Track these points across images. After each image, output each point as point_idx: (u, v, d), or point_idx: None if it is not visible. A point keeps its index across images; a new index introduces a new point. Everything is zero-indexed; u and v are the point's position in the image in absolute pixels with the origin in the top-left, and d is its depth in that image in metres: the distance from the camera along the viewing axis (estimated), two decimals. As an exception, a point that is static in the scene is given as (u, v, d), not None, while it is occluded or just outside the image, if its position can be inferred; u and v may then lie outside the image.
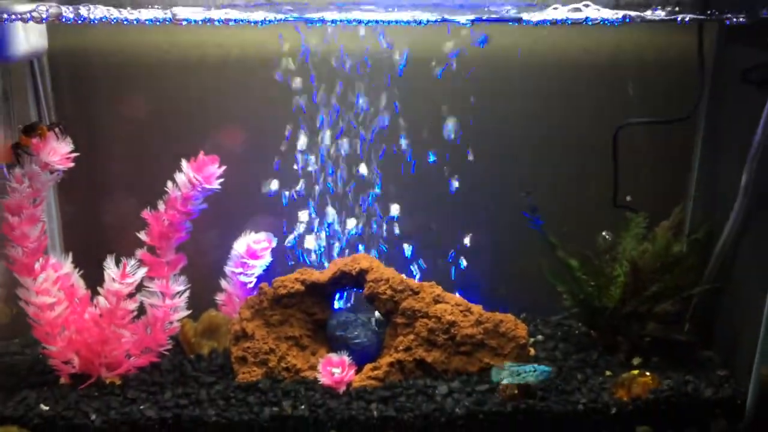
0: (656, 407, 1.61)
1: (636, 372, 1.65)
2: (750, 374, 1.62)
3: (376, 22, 1.59)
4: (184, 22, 1.50)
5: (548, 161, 1.94)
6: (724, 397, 1.64)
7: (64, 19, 1.47)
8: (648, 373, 1.64)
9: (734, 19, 1.46)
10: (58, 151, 1.59)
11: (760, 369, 1.59)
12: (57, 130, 1.59)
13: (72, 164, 1.62)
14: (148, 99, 1.89)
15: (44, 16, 1.46)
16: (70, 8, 1.46)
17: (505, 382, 1.62)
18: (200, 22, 1.50)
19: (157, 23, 1.51)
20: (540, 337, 1.89)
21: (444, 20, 1.54)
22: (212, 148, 1.72)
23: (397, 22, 1.57)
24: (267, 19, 1.52)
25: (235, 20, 1.52)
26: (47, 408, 1.63)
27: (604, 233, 1.78)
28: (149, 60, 1.86)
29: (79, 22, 1.47)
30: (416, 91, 1.86)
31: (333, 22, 1.56)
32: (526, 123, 1.92)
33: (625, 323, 1.76)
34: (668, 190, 1.91)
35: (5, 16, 1.46)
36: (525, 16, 1.52)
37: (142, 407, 1.62)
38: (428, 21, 1.55)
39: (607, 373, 1.71)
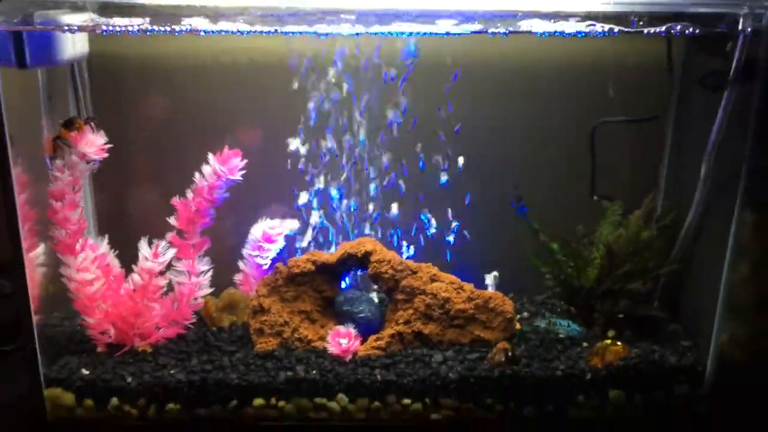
0: (626, 373, 1.74)
1: (609, 342, 1.79)
2: (710, 344, 1.75)
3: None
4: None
5: (536, 156, 2.07)
6: (687, 365, 1.77)
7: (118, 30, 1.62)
8: (619, 343, 1.78)
9: (686, 31, 1.61)
10: (94, 143, 1.73)
11: (718, 339, 1.73)
12: (92, 124, 1.73)
13: (106, 155, 1.75)
14: (173, 99, 2.03)
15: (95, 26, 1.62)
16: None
17: (542, 326, 1.86)
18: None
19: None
20: (526, 313, 2.03)
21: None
22: (232, 143, 1.85)
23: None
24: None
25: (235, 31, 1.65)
26: (88, 372, 1.76)
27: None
28: (173, 64, 2.00)
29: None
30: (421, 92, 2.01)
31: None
32: (516, 122, 2.04)
33: (600, 301, 1.91)
34: (642, 183, 2.04)
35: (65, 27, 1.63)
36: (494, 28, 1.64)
37: (172, 371, 1.76)
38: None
39: (584, 344, 1.86)
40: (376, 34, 1.68)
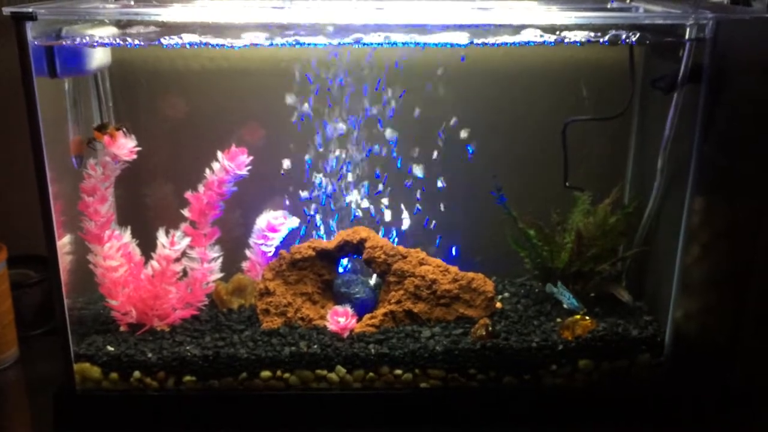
0: (594, 344, 1.89)
1: (578, 317, 1.94)
2: (667, 318, 1.91)
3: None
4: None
5: (515, 151, 2.22)
6: (648, 336, 1.91)
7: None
8: (587, 318, 1.93)
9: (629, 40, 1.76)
10: (125, 146, 1.88)
11: (674, 314, 1.90)
12: (124, 129, 1.89)
13: (135, 156, 1.91)
14: (185, 102, 2.17)
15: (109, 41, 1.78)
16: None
17: (554, 292, 2.01)
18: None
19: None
20: (506, 294, 2.18)
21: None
22: (238, 142, 1.99)
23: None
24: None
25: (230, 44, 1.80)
26: (112, 349, 1.89)
27: None
28: (185, 69, 2.15)
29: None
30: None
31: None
32: (499, 121, 2.19)
33: (572, 281, 2.06)
34: (611, 174, 2.20)
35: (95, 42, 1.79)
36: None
37: (188, 347, 1.89)
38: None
39: (558, 320, 2.01)
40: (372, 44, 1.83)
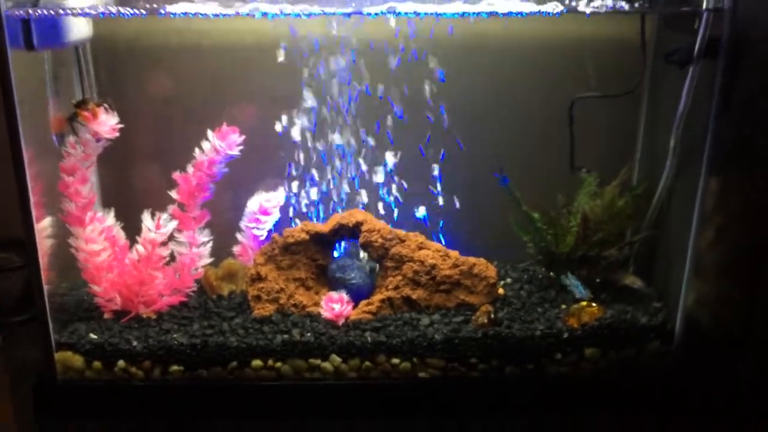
0: (601, 332, 1.82)
1: (584, 303, 1.88)
2: (678, 305, 1.85)
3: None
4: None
5: (518, 130, 2.14)
6: (657, 324, 1.85)
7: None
8: (594, 304, 1.87)
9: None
10: (107, 123, 1.81)
11: (685, 300, 1.83)
12: (105, 106, 1.81)
13: (117, 134, 1.83)
14: (172, 78, 2.09)
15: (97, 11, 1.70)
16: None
17: (566, 283, 1.96)
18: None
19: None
20: (509, 279, 2.11)
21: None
22: (228, 121, 1.92)
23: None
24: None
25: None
26: (96, 337, 1.83)
27: None
28: (172, 43, 2.05)
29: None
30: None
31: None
32: (501, 99, 2.12)
33: (577, 266, 2.00)
34: (621, 154, 2.12)
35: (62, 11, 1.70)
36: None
37: (175, 336, 1.83)
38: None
39: (563, 306, 1.94)
40: (369, 14, 1.74)
